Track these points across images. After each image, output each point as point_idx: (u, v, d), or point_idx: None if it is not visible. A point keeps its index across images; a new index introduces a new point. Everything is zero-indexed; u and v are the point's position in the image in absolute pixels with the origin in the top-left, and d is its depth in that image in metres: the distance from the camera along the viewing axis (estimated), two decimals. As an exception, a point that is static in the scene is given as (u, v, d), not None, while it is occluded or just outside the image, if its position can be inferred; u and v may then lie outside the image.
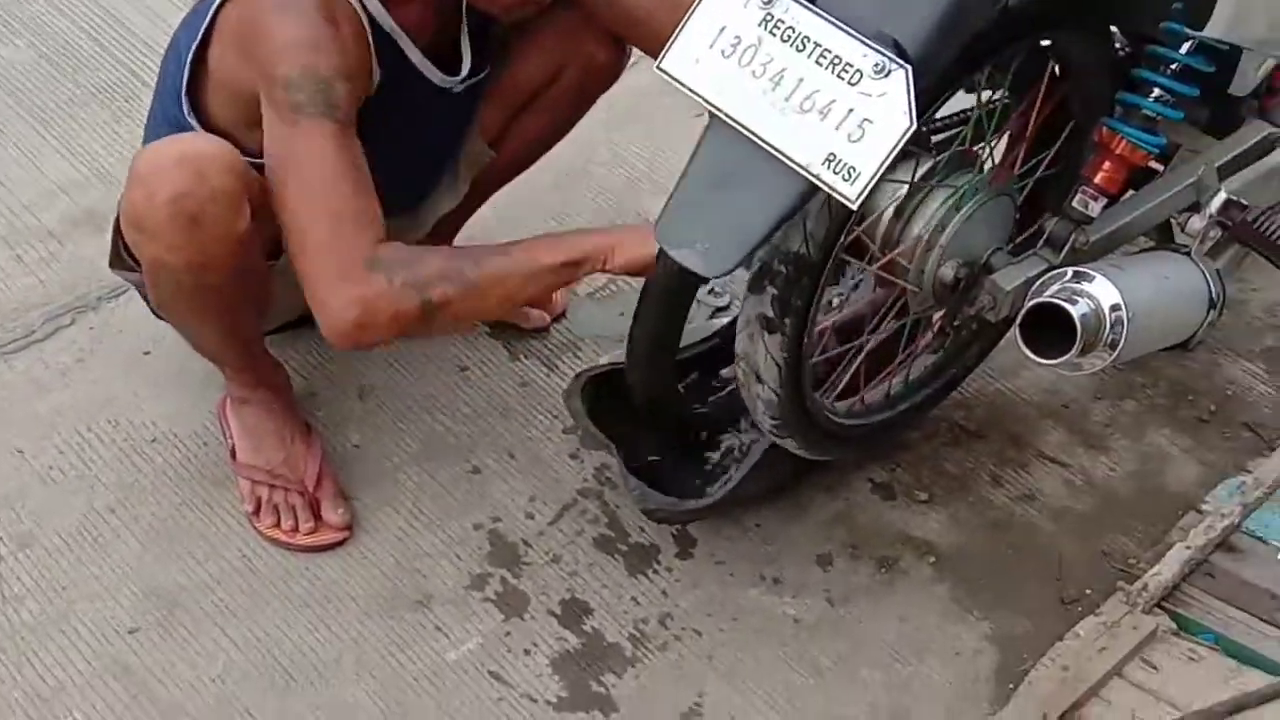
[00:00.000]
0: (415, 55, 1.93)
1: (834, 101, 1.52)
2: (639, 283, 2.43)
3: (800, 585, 2.07)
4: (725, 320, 2.31)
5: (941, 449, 2.25)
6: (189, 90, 1.89)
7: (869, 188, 1.50)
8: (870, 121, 1.51)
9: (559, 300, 2.43)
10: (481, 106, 2.13)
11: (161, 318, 2.07)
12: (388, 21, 1.88)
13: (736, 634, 2.01)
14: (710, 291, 2.48)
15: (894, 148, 1.49)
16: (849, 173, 1.51)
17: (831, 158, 1.52)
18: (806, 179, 1.54)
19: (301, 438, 2.12)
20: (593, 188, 2.64)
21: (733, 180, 1.58)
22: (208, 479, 2.14)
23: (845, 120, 1.52)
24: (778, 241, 1.70)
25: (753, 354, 1.83)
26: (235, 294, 1.90)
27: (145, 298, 2.12)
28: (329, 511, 2.08)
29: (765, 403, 1.88)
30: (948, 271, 1.86)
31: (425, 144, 2.06)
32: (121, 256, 1.99)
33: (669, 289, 1.77)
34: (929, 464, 2.23)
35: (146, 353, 2.30)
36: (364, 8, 1.85)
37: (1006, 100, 1.89)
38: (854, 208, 1.52)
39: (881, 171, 1.50)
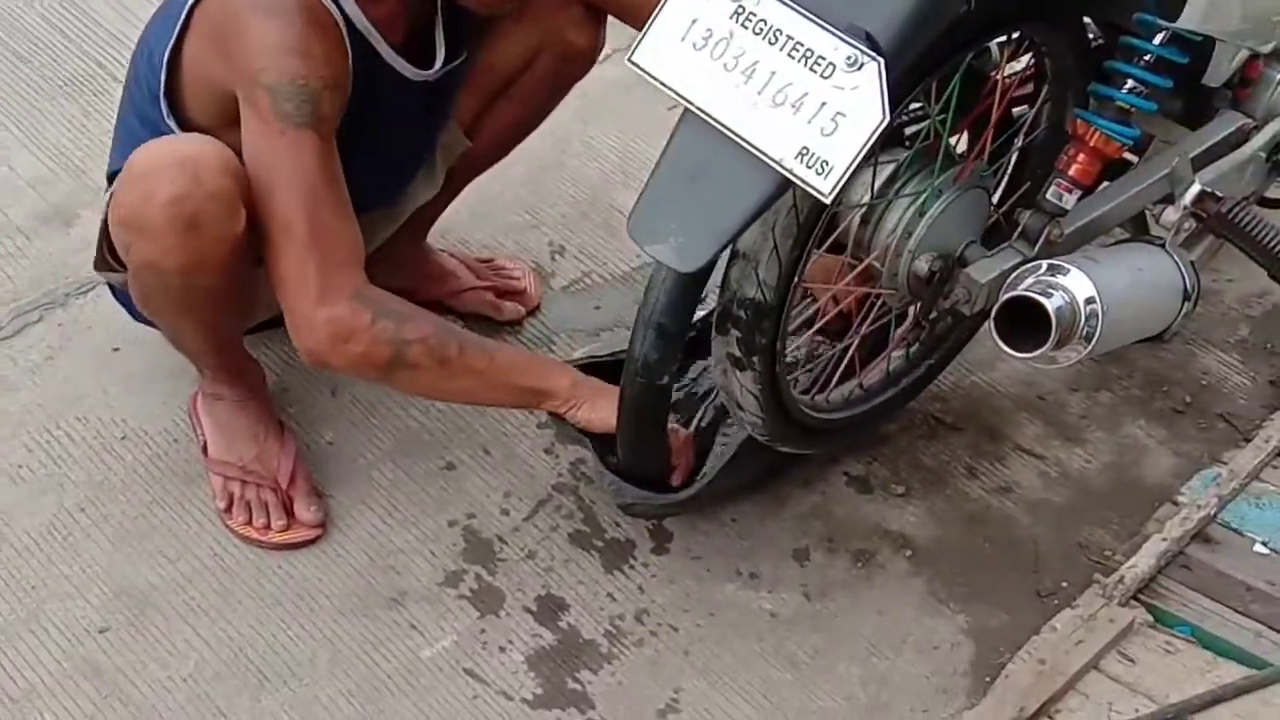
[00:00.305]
0: (387, 52, 1.91)
1: (806, 95, 1.51)
2: (614, 275, 2.48)
3: (777, 580, 2.06)
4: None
5: (918, 442, 2.25)
6: (166, 90, 1.87)
7: (842, 181, 1.49)
8: (843, 115, 1.49)
9: (533, 293, 2.42)
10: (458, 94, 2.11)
11: (140, 318, 2.05)
12: (361, 20, 1.86)
13: (713, 629, 2.00)
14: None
15: (867, 141, 1.48)
16: (822, 167, 1.50)
17: (804, 152, 1.50)
18: (780, 173, 1.53)
19: (275, 434, 2.10)
20: (566, 180, 2.63)
21: (706, 174, 1.56)
22: (179, 476, 2.12)
23: (818, 114, 1.50)
24: (734, 287, 1.74)
25: (729, 387, 1.84)
26: (224, 295, 1.88)
27: (118, 296, 2.10)
28: (302, 509, 2.06)
29: (751, 424, 1.89)
30: (922, 265, 1.86)
31: (401, 137, 2.04)
32: (106, 259, 1.96)
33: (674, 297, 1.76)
34: (905, 457, 2.23)
35: (116, 349, 2.28)
36: (338, 7, 1.83)
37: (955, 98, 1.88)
38: (827, 201, 1.51)
39: (855, 165, 1.49)
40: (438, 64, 1.98)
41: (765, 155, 1.52)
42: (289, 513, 2.06)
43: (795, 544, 2.11)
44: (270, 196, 1.77)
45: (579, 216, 2.57)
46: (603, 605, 2.02)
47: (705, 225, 1.56)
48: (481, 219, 2.52)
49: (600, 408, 1.92)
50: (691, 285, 1.75)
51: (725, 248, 1.60)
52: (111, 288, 2.11)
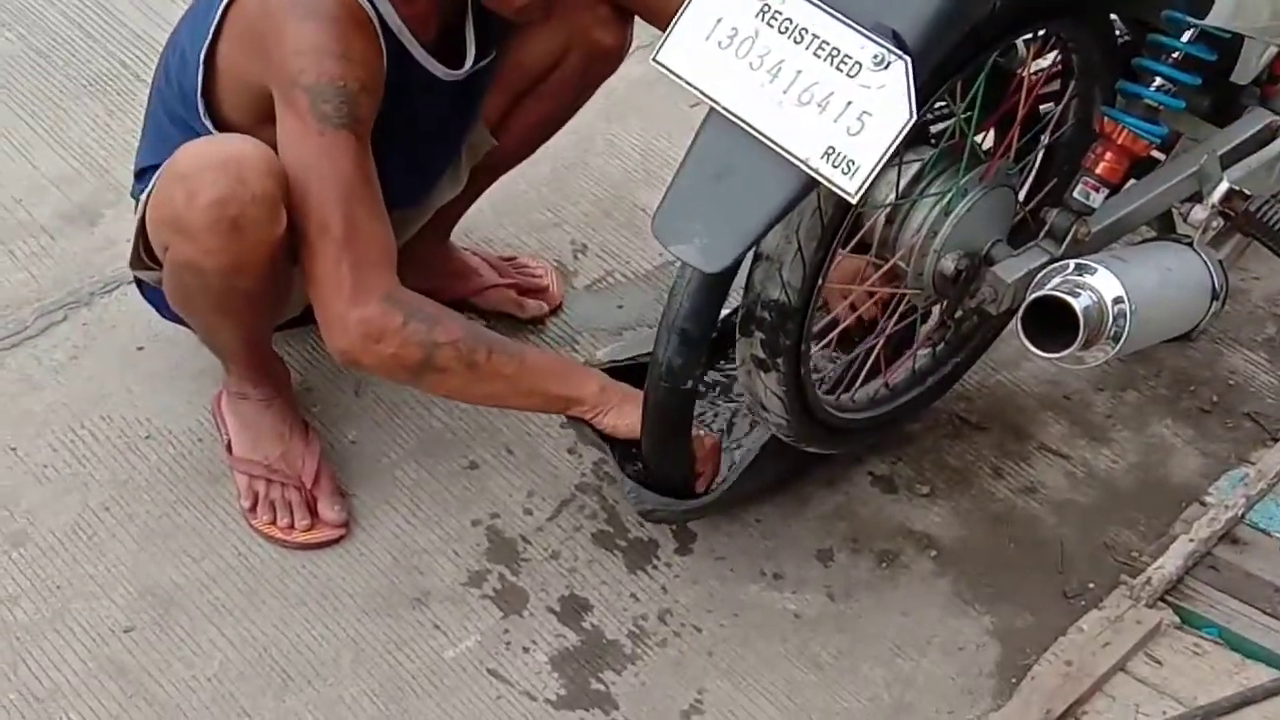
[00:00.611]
0: (419, 52, 1.91)
1: (832, 94, 1.50)
2: (637, 274, 2.47)
3: (801, 580, 2.05)
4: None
5: (942, 441, 2.24)
6: (201, 90, 1.87)
7: (869, 181, 1.48)
8: (869, 114, 1.48)
9: (556, 292, 2.41)
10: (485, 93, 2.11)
11: (170, 315, 2.05)
12: (394, 19, 1.86)
13: (737, 630, 1.99)
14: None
15: (894, 141, 1.47)
16: (848, 166, 1.49)
17: (830, 151, 1.50)
18: (805, 172, 1.52)
19: (299, 434, 2.10)
20: (589, 179, 2.62)
21: (731, 173, 1.56)
22: (203, 475, 2.12)
23: (844, 113, 1.50)
24: (758, 289, 1.73)
25: (754, 389, 1.84)
26: (262, 296, 1.89)
27: (147, 294, 2.10)
28: (326, 508, 2.06)
29: (775, 425, 1.88)
30: (948, 264, 1.85)
31: (430, 137, 2.04)
32: (141, 257, 1.97)
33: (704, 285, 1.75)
34: (930, 457, 2.22)
35: (140, 348, 2.28)
36: (373, 6, 1.82)
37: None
38: (853, 201, 1.50)
39: (881, 165, 1.48)
40: (468, 63, 1.98)
41: (791, 155, 1.52)
42: (313, 512, 2.06)
43: (819, 544, 2.10)
44: (307, 196, 1.77)
45: (602, 215, 2.57)
46: (626, 606, 2.01)
47: (730, 225, 1.56)
48: (505, 217, 2.52)
49: (627, 414, 1.92)
50: (715, 290, 1.74)
51: (750, 248, 1.59)
52: (140, 285, 2.11)
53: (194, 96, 1.89)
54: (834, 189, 1.50)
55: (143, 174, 2.02)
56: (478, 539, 2.08)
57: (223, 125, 1.90)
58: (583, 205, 2.58)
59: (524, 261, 2.44)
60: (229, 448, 2.10)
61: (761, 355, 1.79)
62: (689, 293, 1.75)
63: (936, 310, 2.00)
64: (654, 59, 1.59)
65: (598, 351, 2.29)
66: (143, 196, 1.91)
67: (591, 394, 1.92)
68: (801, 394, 1.85)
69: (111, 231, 2.43)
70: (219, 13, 1.85)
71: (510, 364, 1.87)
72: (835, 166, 1.49)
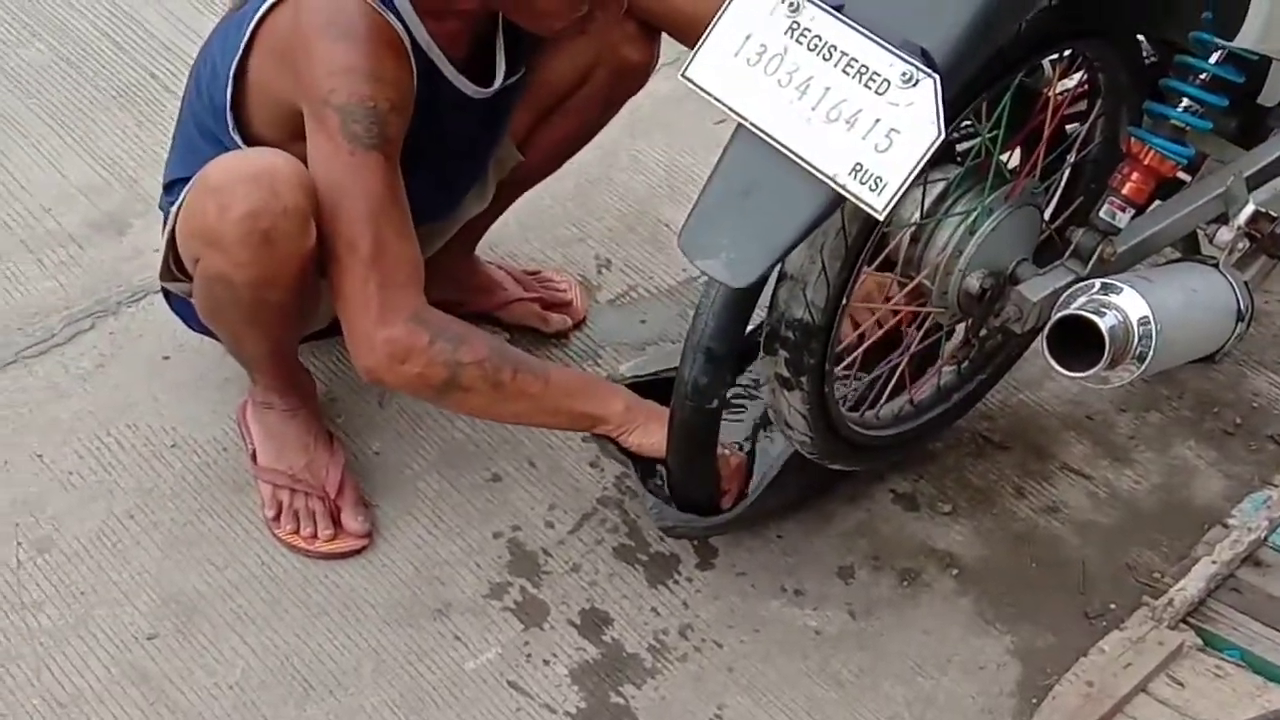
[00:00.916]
0: (449, 70, 1.92)
1: (861, 111, 1.51)
2: (660, 290, 2.48)
3: (822, 597, 2.05)
4: None
5: (965, 460, 2.24)
6: (231, 105, 1.88)
7: (896, 199, 1.49)
8: (897, 131, 1.49)
9: (579, 306, 2.42)
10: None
11: (198, 326, 2.07)
12: (424, 37, 1.87)
13: (758, 646, 1.99)
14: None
15: (922, 158, 1.48)
16: (876, 183, 1.49)
17: (858, 168, 1.50)
18: (833, 189, 1.53)
19: (324, 444, 2.11)
20: (613, 194, 2.63)
21: (758, 189, 1.56)
22: (227, 484, 2.13)
23: (872, 130, 1.50)
24: (782, 308, 1.74)
25: (778, 407, 1.84)
26: (290, 309, 1.90)
27: (174, 304, 2.12)
28: (349, 519, 2.07)
29: (800, 443, 1.89)
30: (973, 283, 1.85)
31: (458, 153, 2.05)
32: (171, 269, 1.98)
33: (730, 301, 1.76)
34: (952, 475, 2.22)
35: (166, 358, 2.29)
36: (404, 25, 1.84)
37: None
38: (880, 218, 1.50)
39: (909, 182, 1.48)
40: (497, 81, 1.99)
41: (818, 171, 1.52)
42: (336, 522, 2.07)
43: (840, 561, 2.10)
44: (336, 214, 1.79)
45: (626, 230, 2.57)
46: (647, 620, 2.01)
47: (757, 241, 1.56)
48: (530, 232, 2.53)
49: (653, 432, 1.92)
50: (741, 309, 1.75)
51: (778, 263, 1.60)
52: (167, 296, 2.13)
53: (224, 110, 1.91)
54: (862, 206, 1.50)
55: (172, 186, 2.04)
56: (499, 551, 2.08)
57: (252, 140, 1.91)
58: (607, 220, 2.59)
59: (548, 276, 2.45)
60: (254, 457, 2.11)
61: (786, 374, 1.80)
62: (714, 311, 1.75)
63: (961, 328, 2.00)
64: (682, 75, 1.60)
65: (621, 367, 2.30)
66: (172, 209, 1.93)
67: (617, 413, 1.93)
68: (825, 412, 1.86)
69: (140, 241, 2.45)
70: (250, 28, 1.86)
71: (535, 383, 1.88)
72: (863, 184, 1.50)
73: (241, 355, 2.07)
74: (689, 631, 2.01)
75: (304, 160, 1.83)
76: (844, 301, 1.74)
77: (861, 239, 1.69)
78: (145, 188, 2.51)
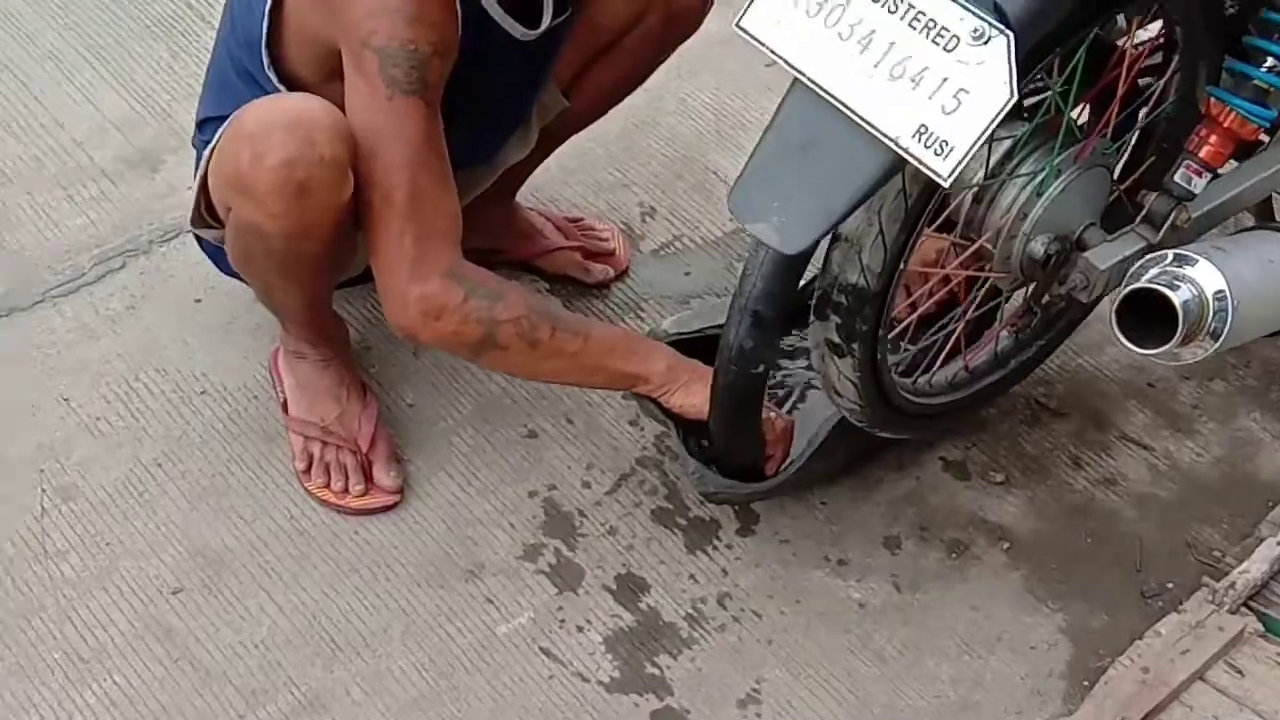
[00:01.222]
0: (496, 10, 1.83)
1: (927, 69, 1.41)
2: (706, 240, 2.39)
3: (866, 568, 1.98)
4: None
5: (1019, 428, 2.15)
6: (267, 43, 1.81)
7: (963, 164, 1.40)
8: (966, 92, 1.39)
9: (622, 256, 2.34)
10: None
11: (229, 271, 2.00)
12: None
13: (798, 617, 1.93)
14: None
15: (992, 121, 1.38)
16: (941, 147, 1.40)
17: (923, 130, 1.41)
18: (894, 152, 1.44)
19: (357, 396, 2.05)
20: (660, 139, 2.54)
21: (814, 149, 1.47)
22: (257, 434, 2.07)
23: (939, 90, 1.41)
24: (835, 272, 1.65)
25: (827, 373, 1.76)
26: (325, 260, 1.84)
27: (205, 247, 2.05)
28: (381, 474, 2.01)
29: (849, 411, 1.81)
30: (1038, 248, 1.76)
31: (503, 97, 1.97)
32: (203, 215, 1.91)
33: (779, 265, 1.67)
34: (1006, 443, 2.13)
35: (198, 300, 2.23)
36: None
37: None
38: (946, 185, 1.41)
39: (977, 147, 1.39)
40: (545, 21, 1.90)
41: (880, 132, 1.43)
42: (368, 477, 2.01)
43: (887, 531, 2.02)
44: (372, 162, 1.71)
45: (672, 177, 2.49)
46: (684, 587, 1.95)
47: (811, 205, 1.48)
48: (572, 176, 2.45)
49: (695, 393, 1.85)
50: (790, 270, 1.67)
51: (832, 229, 1.51)
52: (199, 239, 2.06)
53: (259, 48, 1.83)
54: (925, 171, 1.41)
55: (205, 124, 1.97)
56: (534, 511, 2.02)
57: (288, 79, 1.84)
58: (652, 166, 2.50)
59: (590, 224, 2.37)
60: (285, 407, 2.05)
61: (837, 340, 1.71)
62: (763, 273, 1.67)
63: (1020, 293, 1.91)
64: (737, 25, 1.51)
65: (663, 322, 2.21)
66: (206, 152, 1.85)
67: (658, 372, 1.86)
68: (877, 379, 1.78)
69: (173, 178, 2.38)
70: (283, -35, 1.78)
71: (574, 341, 1.81)
72: (927, 147, 1.40)
73: (273, 305, 2.00)
74: (727, 600, 1.94)
75: (342, 104, 1.76)
76: (901, 266, 1.65)
77: (922, 202, 1.60)
78: (180, 122, 2.44)
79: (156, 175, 2.40)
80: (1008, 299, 1.93)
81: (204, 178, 1.86)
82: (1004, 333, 2.01)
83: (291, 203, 1.72)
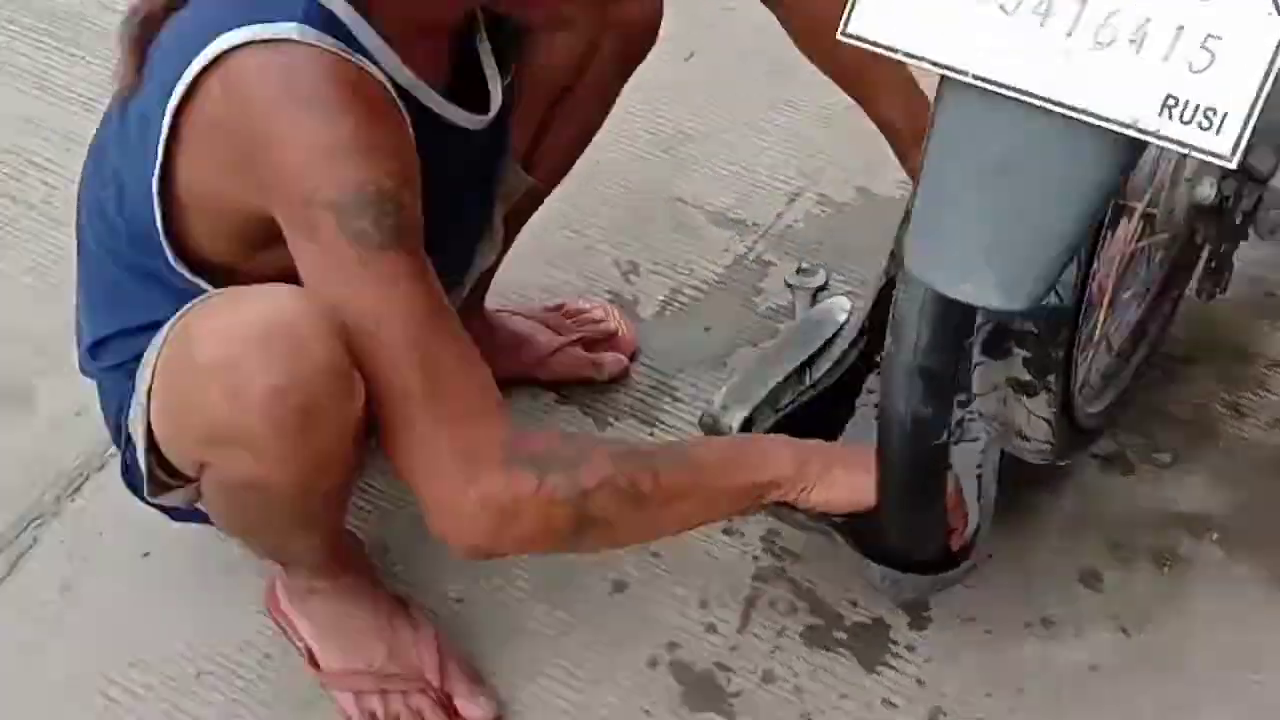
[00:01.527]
0: (440, 104, 1.41)
1: (1148, 20, 1.04)
2: (708, 282, 2.00)
3: (1078, 619, 1.63)
4: (839, 310, 1.87)
5: (1156, 394, 1.82)
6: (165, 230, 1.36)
7: (1247, 132, 1.02)
8: (1218, 37, 1.03)
9: (626, 333, 1.93)
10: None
11: (181, 516, 1.56)
12: (403, 73, 1.35)
13: (1034, 709, 1.56)
14: (799, 271, 2.01)
15: (1271, 67, 1.02)
16: (1207, 118, 1.03)
17: (1171, 101, 1.04)
18: (1132, 141, 1.06)
19: (402, 617, 1.61)
20: (606, 181, 2.13)
21: (1015, 169, 1.09)
22: (288, 705, 1.61)
23: (1176, 43, 1.04)
24: None
25: (1010, 418, 1.40)
26: (345, 489, 1.41)
27: (134, 480, 1.57)
28: (467, 705, 1.58)
29: (1035, 453, 1.46)
30: (1206, 190, 1.41)
31: (464, 204, 1.55)
32: (157, 477, 1.44)
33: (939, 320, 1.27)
34: (1152, 415, 1.80)
35: (146, 554, 1.75)
36: (376, 65, 1.31)
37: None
38: (1232, 165, 1.04)
39: (1259, 107, 1.02)
40: (495, 99, 1.48)
41: (1108, 120, 1.05)
42: (452, 715, 1.57)
43: (1077, 565, 1.67)
44: (366, 351, 1.27)
45: (639, 222, 2.09)
46: (886, 718, 1.57)
47: (1032, 239, 1.10)
48: (524, 257, 2.00)
49: (838, 482, 1.45)
50: (963, 310, 1.28)
51: (1069, 262, 1.13)
52: (133, 481, 1.58)
53: (157, 238, 1.37)
54: (1195, 154, 1.04)
55: (102, 346, 1.51)
56: (665, 684, 1.61)
57: (201, 264, 1.39)
58: (611, 215, 2.09)
59: (575, 307, 1.95)
60: (312, 660, 1.60)
61: (1027, 378, 1.35)
62: (925, 319, 1.28)
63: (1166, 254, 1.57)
64: (843, 33, 1.11)
65: (715, 400, 1.81)
66: (136, 402, 1.38)
67: (787, 473, 1.44)
68: (1071, 410, 1.42)
69: (54, 408, 1.88)
70: (166, 125, 1.32)
71: (684, 475, 1.39)
72: (1186, 122, 1.03)
73: (282, 557, 1.55)
74: (942, 717, 1.57)
75: (281, 273, 1.32)
76: (1094, 268, 1.29)
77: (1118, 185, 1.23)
78: (38, 337, 1.94)
79: (34, 413, 1.90)
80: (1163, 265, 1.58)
81: (148, 431, 1.39)
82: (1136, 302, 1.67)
83: (295, 440, 1.27)
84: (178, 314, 1.34)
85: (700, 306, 1.99)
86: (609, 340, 1.92)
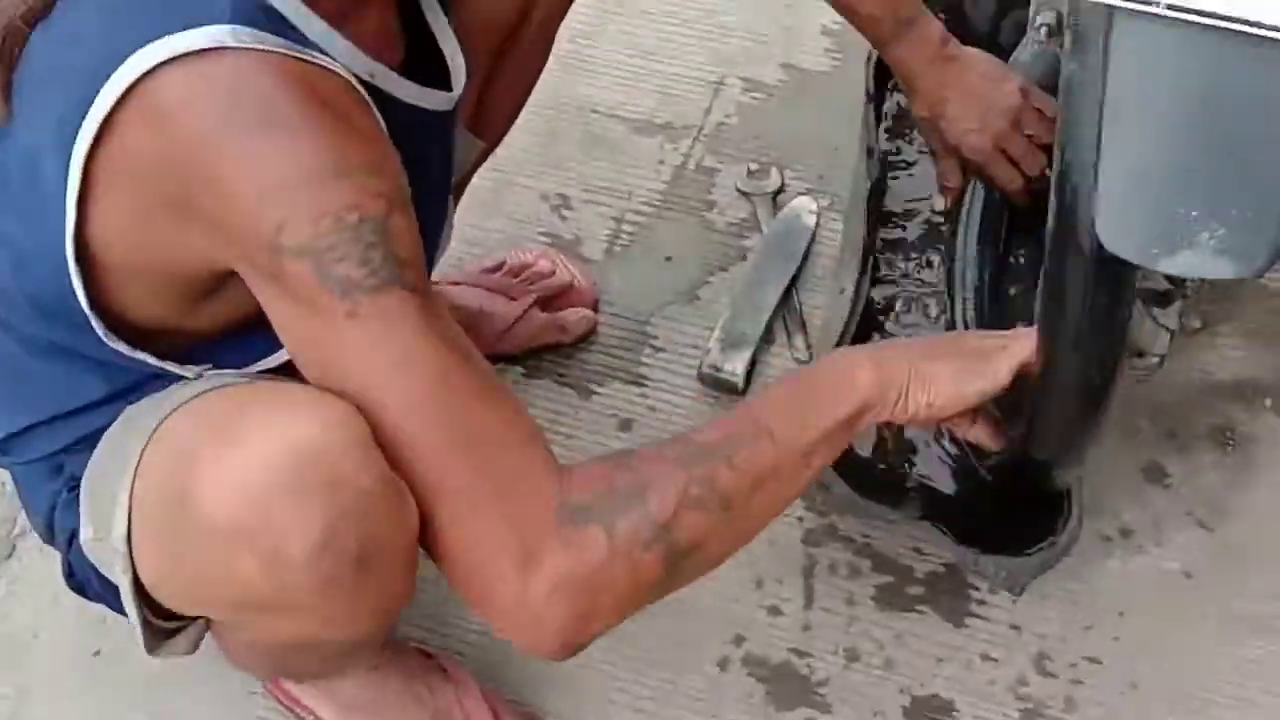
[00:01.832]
0: (402, 86, 1.14)
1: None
2: (653, 204, 1.78)
3: (1156, 522, 1.52)
4: (805, 213, 1.70)
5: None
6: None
7: None
8: None
9: (582, 281, 1.71)
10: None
11: (117, 608, 1.27)
12: (363, 63, 1.08)
13: (1138, 629, 1.45)
14: (749, 174, 1.81)
15: None
16: None
17: None
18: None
19: (436, 674, 1.40)
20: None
21: (1234, 116, 0.90)
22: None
23: None
24: None
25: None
26: (397, 613, 1.14)
27: (89, 597, 1.30)
28: (532, 755, 1.39)
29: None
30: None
31: (434, 184, 1.29)
32: (163, 632, 1.17)
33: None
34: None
35: (96, 653, 1.48)
36: (329, 56, 1.03)
37: None
38: None
39: None
40: (459, 75, 1.22)
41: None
42: (519, 770, 1.38)
43: (1139, 462, 1.56)
44: (382, 438, 1.01)
45: (552, 142, 1.84)
46: (987, 676, 1.44)
47: (1261, 192, 0.92)
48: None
49: (936, 375, 1.18)
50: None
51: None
52: (78, 584, 1.30)
53: (71, 310, 1.09)
54: None
55: (12, 441, 1.22)
56: (741, 685, 1.45)
57: (130, 329, 1.11)
58: (521, 141, 1.83)
59: (519, 261, 1.71)
60: (344, 743, 1.38)
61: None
62: (1100, 284, 1.07)
63: None
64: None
65: (710, 349, 1.63)
66: (112, 546, 1.09)
67: (871, 391, 1.16)
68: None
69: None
70: (78, 176, 1.02)
71: (757, 449, 1.11)
72: None
73: (301, 678, 1.32)
74: (1047, 663, 1.44)
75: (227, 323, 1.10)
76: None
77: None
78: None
79: (-94, 506, 1.57)
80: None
81: (135, 583, 1.11)
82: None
83: (352, 590, 1.01)
84: (145, 440, 1.06)
85: (651, 234, 1.77)
86: (566, 294, 1.69)
